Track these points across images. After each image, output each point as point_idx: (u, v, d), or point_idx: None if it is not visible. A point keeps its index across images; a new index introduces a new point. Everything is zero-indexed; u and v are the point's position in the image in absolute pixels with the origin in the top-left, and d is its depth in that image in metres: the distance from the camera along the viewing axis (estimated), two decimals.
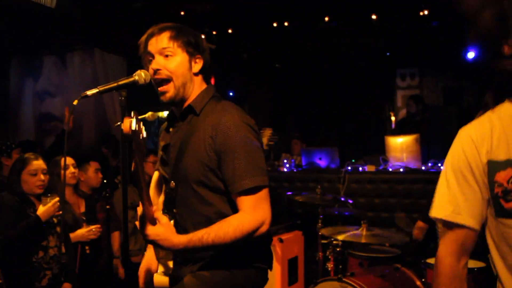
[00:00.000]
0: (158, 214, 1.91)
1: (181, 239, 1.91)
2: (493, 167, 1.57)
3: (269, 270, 2.24)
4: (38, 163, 3.55)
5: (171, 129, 2.26)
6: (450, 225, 1.64)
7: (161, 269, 2.29)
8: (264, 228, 1.99)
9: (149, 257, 2.37)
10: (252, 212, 1.97)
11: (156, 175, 2.53)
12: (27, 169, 3.50)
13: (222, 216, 2.04)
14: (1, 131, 7.36)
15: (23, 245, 3.34)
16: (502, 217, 1.57)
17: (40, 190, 3.53)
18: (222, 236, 1.92)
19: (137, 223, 1.91)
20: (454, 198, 1.62)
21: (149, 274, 2.31)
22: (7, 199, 3.46)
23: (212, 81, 2.36)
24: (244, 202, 1.98)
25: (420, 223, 4.63)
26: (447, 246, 1.66)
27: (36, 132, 7.54)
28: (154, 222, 1.88)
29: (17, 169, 3.52)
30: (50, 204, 3.38)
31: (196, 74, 2.16)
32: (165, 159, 2.24)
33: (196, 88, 2.17)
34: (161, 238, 1.88)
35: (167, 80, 2.09)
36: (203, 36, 2.29)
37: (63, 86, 7.69)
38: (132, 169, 1.89)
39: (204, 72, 2.20)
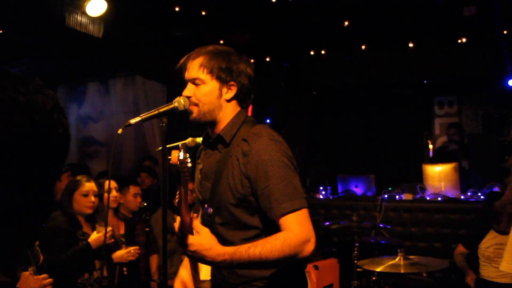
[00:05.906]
0: (197, 224, 1.85)
1: (226, 249, 1.82)
2: None
3: None
4: (91, 185, 3.72)
5: (203, 153, 2.26)
6: None
7: None
8: (310, 247, 1.87)
9: (184, 278, 2.30)
10: (297, 228, 1.88)
11: None
12: (80, 190, 3.67)
13: None
14: None
15: (72, 268, 3.45)
16: None
17: (90, 210, 3.68)
18: (269, 249, 1.81)
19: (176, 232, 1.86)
20: None
21: None
22: (60, 221, 3.59)
23: (250, 108, 2.33)
24: (287, 221, 1.89)
25: (461, 248, 4.75)
26: None
27: (78, 155, 7.77)
28: (192, 233, 1.83)
29: (70, 190, 3.69)
30: (101, 234, 3.49)
31: (228, 100, 2.13)
32: (201, 182, 2.22)
33: (228, 113, 2.13)
34: (205, 248, 1.80)
35: (195, 104, 2.11)
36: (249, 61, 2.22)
37: (105, 111, 7.95)
38: (177, 198, 1.92)
39: (239, 98, 2.16)
